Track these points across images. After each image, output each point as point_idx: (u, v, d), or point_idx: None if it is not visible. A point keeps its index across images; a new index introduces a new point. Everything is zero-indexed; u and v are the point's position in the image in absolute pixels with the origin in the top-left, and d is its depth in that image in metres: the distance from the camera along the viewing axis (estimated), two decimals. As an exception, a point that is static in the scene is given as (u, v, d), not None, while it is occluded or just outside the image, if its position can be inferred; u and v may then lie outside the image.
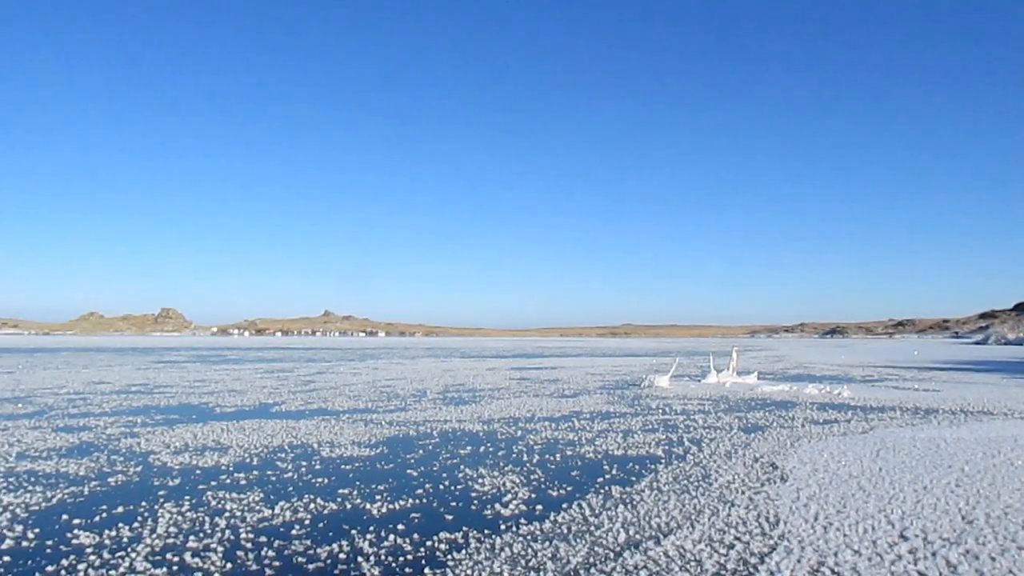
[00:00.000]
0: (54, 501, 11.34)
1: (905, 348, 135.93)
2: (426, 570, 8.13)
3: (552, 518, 10.26)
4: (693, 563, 8.24)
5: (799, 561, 8.23)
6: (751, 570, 8.01)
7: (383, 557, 8.67)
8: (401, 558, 8.63)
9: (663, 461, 14.67)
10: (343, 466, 14.24)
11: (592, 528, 9.72)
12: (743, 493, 11.66)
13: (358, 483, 12.71)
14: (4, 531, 9.60)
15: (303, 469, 13.89)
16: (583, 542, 9.08)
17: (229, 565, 8.37)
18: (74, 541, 9.22)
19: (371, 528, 9.87)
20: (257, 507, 10.95)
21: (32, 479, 12.90)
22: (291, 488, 12.29)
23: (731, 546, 8.84)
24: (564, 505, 11.03)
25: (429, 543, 9.17)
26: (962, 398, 28.26)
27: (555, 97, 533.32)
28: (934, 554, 8.49)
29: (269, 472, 13.59)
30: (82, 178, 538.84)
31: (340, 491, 12.07)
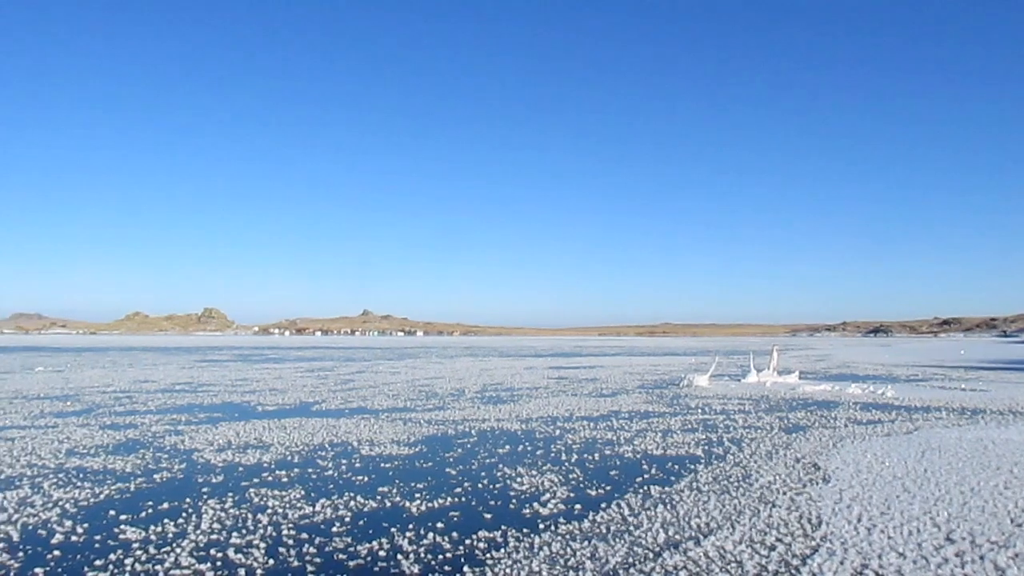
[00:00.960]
0: (102, 497, 11.60)
1: (951, 347, 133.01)
2: (465, 568, 8.17)
3: (591, 517, 10.24)
4: (734, 564, 8.17)
5: (842, 563, 8.11)
6: (793, 572, 7.92)
7: (423, 555, 8.72)
8: (440, 556, 8.67)
9: (703, 461, 14.56)
10: (383, 464, 14.36)
11: (631, 528, 9.68)
12: (784, 494, 11.54)
13: (397, 481, 12.80)
14: (54, 526, 9.84)
15: (343, 467, 14.02)
16: (622, 542, 9.05)
17: (271, 561, 8.49)
18: (121, 536, 9.42)
19: (410, 526, 9.93)
20: (298, 504, 11.09)
21: (81, 475, 13.20)
22: (332, 486, 12.42)
23: (772, 547, 8.75)
24: (603, 504, 11.00)
25: (468, 541, 9.21)
26: (1011, 398, 27.60)
27: (588, 94, 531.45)
28: (982, 557, 8.32)
29: (310, 470, 13.75)
30: (128, 183, 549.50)
31: (380, 489, 12.17)
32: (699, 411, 23.52)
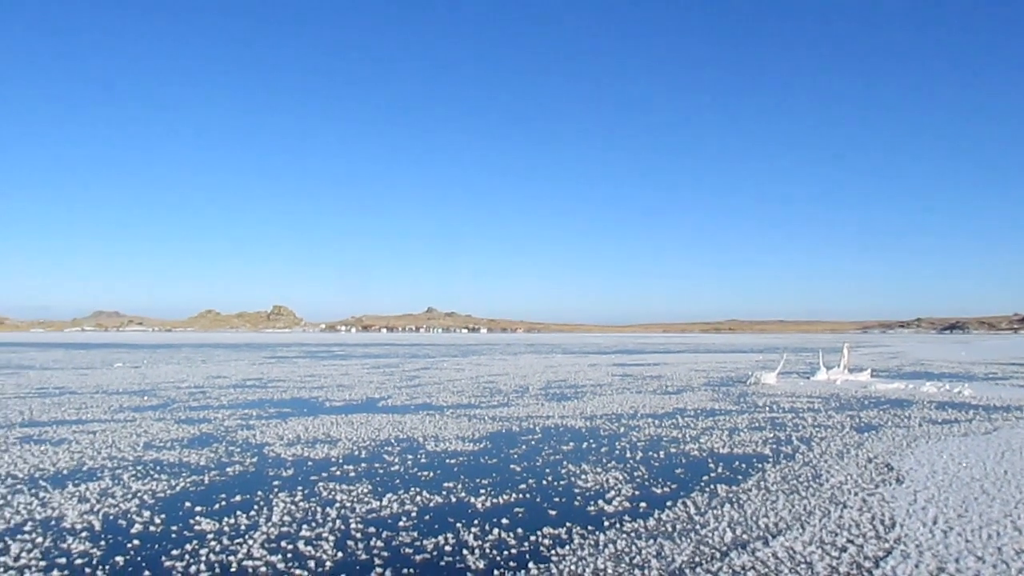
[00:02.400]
0: (178, 489, 11.97)
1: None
2: (530, 564, 8.19)
3: (656, 516, 10.17)
4: (803, 565, 8.03)
5: (917, 566, 7.90)
6: (865, 574, 7.74)
7: (488, 551, 8.78)
8: (505, 552, 8.72)
9: (771, 460, 14.33)
10: (448, 460, 14.48)
11: (697, 527, 9.59)
12: (856, 494, 11.27)
13: (463, 477, 12.90)
14: (133, 516, 10.20)
15: (409, 462, 14.19)
16: (688, 541, 8.96)
17: (340, 554, 8.64)
18: (196, 527, 9.71)
19: (476, 522, 10.01)
20: (366, 499, 11.26)
21: (157, 468, 13.64)
22: (398, 481, 12.59)
23: (844, 549, 8.56)
24: (668, 503, 10.91)
25: (533, 538, 9.23)
26: (1098, 398, 26.45)
27: (646, 92, 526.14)
28: (1067, 563, 8.00)
29: (377, 465, 13.96)
30: (202, 186, 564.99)
31: (445, 485, 12.29)
32: (767, 409, 23.14)
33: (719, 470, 13.44)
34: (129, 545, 8.95)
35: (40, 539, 9.11)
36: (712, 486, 12.05)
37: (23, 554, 8.51)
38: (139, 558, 8.52)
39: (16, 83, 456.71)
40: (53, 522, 9.89)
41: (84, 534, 9.36)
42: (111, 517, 10.20)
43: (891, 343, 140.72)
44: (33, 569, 8.05)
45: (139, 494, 11.56)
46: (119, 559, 8.44)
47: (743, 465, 13.87)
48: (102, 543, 9.02)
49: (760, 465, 13.82)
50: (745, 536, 9.13)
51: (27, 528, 9.57)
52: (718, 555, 8.42)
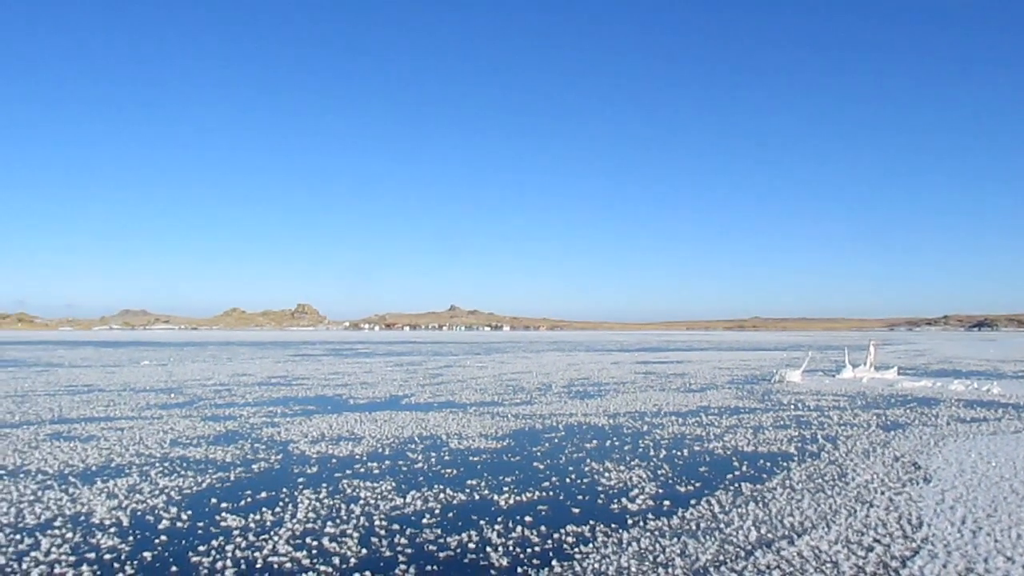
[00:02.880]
0: (204, 485, 12.09)
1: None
2: (554, 562, 8.19)
3: (680, 514, 10.13)
4: (829, 565, 7.96)
5: (945, 566, 7.81)
6: (892, 574, 7.67)
7: (511, 548, 8.79)
8: (529, 549, 8.72)
9: (796, 458, 14.22)
10: (471, 458, 14.52)
11: (721, 525, 9.54)
12: (882, 493, 11.16)
13: (486, 475, 12.92)
14: (161, 512, 10.31)
15: (433, 460, 14.24)
16: (712, 539, 8.92)
17: (364, 551, 8.69)
18: (222, 523, 9.81)
19: (499, 519, 10.02)
20: (390, 496, 11.32)
21: (184, 464, 13.79)
22: (421, 478, 12.63)
23: (870, 548, 8.48)
24: (692, 501, 10.87)
25: (556, 535, 9.24)
26: None
27: (679, 91, 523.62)
28: (1099, 564, 7.88)
29: (400, 462, 14.02)
30: (227, 186, 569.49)
31: (469, 482, 12.32)
32: (792, 407, 22.97)
33: (743, 468, 13.36)
34: (156, 540, 9.06)
35: (70, 534, 9.24)
36: (736, 484, 11.99)
37: (53, 548, 8.64)
38: (166, 553, 8.62)
39: (48, 84, 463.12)
40: (82, 517, 10.04)
41: (113, 529, 9.48)
42: (139, 513, 10.32)
43: (918, 341, 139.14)
44: (63, 563, 8.17)
45: (166, 490, 11.69)
46: (147, 554, 8.54)
47: (768, 463, 13.78)
48: (130, 538, 9.14)
49: (785, 463, 13.72)
50: (770, 535, 9.08)
51: (57, 523, 9.71)
52: (743, 554, 8.37)
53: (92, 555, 8.48)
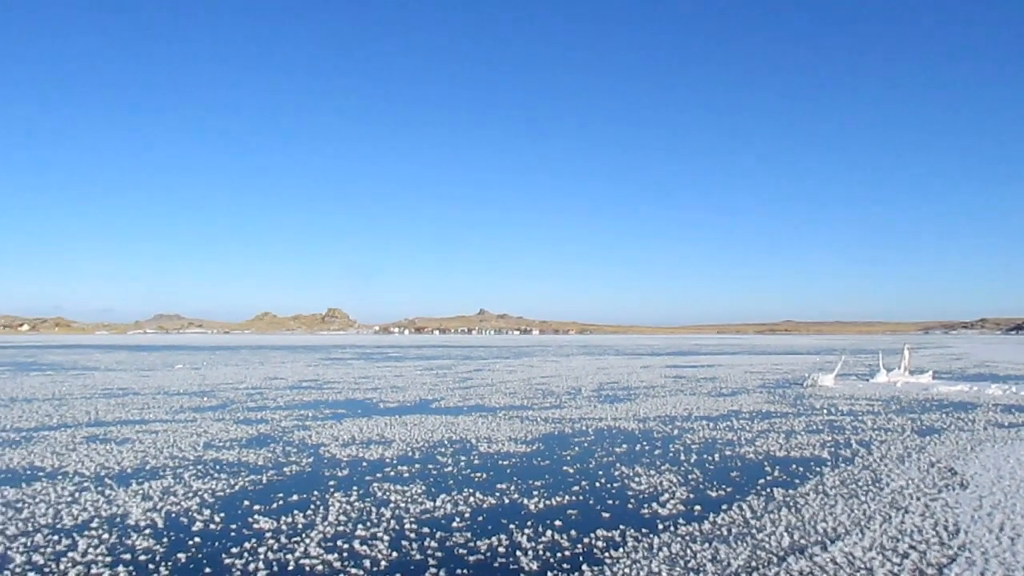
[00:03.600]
0: (236, 488, 12.22)
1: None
2: (584, 567, 8.17)
3: (711, 519, 10.05)
4: (863, 571, 7.86)
5: (982, 574, 7.67)
6: (928, 581, 7.55)
7: (541, 552, 8.78)
8: (559, 554, 8.71)
9: (829, 464, 14.06)
10: (501, 462, 14.52)
11: (753, 531, 9.45)
12: (918, 499, 11.00)
13: (516, 479, 12.92)
14: (194, 514, 10.44)
15: (462, 464, 14.27)
16: (744, 545, 8.84)
17: (395, 554, 8.73)
18: (255, 526, 9.90)
19: (529, 523, 10.01)
20: (420, 499, 11.36)
21: (217, 467, 13.94)
22: (451, 482, 12.66)
23: (905, 555, 8.36)
24: (723, 506, 10.78)
25: (587, 540, 9.21)
26: None
27: (707, 92, 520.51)
28: None
29: (430, 466, 14.06)
30: (260, 193, 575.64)
31: (498, 486, 12.32)
32: (824, 412, 22.71)
33: (775, 473, 13.23)
34: (190, 542, 9.16)
35: (106, 535, 9.39)
36: (768, 490, 11.87)
37: (90, 550, 8.77)
38: (200, 555, 8.71)
39: (79, 89, 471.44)
40: (118, 519, 10.19)
41: (147, 531, 9.61)
42: (173, 515, 10.46)
43: (954, 344, 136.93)
44: (99, 564, 8.30)
45: (200, 493, 11.82)
46: (181, 556, 8.65)
47: (800, 469, 13.64)
48: (164, 540, 9.25)
49: (818, 469, 13.57)
50: (803, 541, 8.98)
51: (93, 524, 9.87)
52: (775, 560, 8.29)
53: (127, 556, 8.60)
